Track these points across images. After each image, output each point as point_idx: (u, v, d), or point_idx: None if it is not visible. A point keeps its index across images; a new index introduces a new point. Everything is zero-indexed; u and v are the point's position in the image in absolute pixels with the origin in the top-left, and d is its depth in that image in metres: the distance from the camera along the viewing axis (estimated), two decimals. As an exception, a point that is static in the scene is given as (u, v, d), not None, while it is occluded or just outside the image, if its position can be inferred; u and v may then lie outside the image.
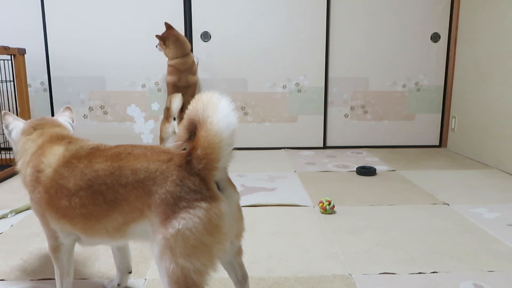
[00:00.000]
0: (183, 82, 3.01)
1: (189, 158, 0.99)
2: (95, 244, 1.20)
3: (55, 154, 1.14)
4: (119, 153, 1.06)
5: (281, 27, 3.44)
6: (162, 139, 3.10)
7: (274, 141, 3.61)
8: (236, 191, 1.08)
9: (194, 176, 0.97)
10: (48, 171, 1.12)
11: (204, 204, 0.95)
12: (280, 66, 3.50)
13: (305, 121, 3.59)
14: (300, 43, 3.47)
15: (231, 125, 0.95)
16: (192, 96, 3.05)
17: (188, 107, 1.02)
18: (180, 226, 0.94)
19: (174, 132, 3.03)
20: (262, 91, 3.53)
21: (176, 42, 2.97)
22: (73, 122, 1.41)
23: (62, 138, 1.21)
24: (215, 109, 0.96)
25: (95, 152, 1.10)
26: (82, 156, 1.10)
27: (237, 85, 3.50)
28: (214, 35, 3.42)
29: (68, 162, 1.10)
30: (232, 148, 0.98)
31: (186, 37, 3.36)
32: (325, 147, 3.66)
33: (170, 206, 0.96)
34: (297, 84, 3.53)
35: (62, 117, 1.39)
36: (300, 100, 3.55)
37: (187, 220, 0.94)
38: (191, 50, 3.38)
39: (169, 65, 3.01)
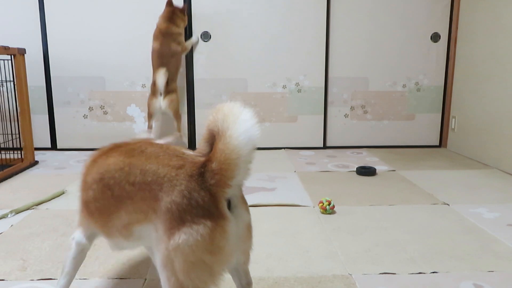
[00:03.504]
0: (166, 49, 3.01)
1: (202, 169, 0.93)
2: (120, 247, 1.15)
3: (93, 155, 1.16)
4: (133, 150, 1.04)
5: (281, 27, 3.44)
6: (150, 115, 3.15)
7: (274, 141, 3.61)
8: (247, 211, 1.02)
9: (204, 191, 0.91)
10: (83, 170, 1.15)
11: (209, 222, 0.90)
12: (280, 66, 3.50)
13: (305, 121, 3.59)
14: (300, 43, 3.47)
15: (252, 140, 0.88)
16: (176, 68, 3.07)
17: (209, 118, 0.96)
18: (180, 241, 0.90)
19: (161, 108, 3.06)
20: (262, 91, 3.53)
21: (168, 8, 3.05)
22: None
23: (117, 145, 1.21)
24: (236, 120, 0.89)
25: (115, 147, 1.10)
26: (104, 151, 1.11)
27: (237, 85, 3.50)
28: (214, 35, 3.42)
29: (95, 158, 1.12)
30: (250, 165, 0.91)
31: (185, 36, 3.37)
32: (325, 147, 3.66)
33: (174, 216, 0.92)
34: (297, 84, 3.53)
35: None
36: (300, 100, 3.55)
37: (188, 236, 0.90)
38: (192, 52, 3.39)
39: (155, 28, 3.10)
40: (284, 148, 3.62)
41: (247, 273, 1.15)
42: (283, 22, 3.44)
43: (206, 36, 3.42)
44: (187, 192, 0.92)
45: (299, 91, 3.54)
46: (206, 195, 0.92)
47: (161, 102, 3.02)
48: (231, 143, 0.88)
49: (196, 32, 3.40)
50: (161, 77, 2.95)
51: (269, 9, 3.41)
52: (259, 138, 0.89)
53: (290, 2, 3.41)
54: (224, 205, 0.94)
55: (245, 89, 3.51)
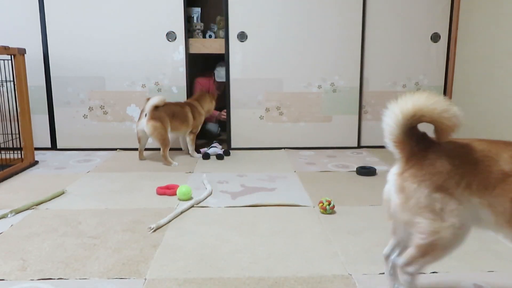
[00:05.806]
0: (180, 113, 3.22)
1: None
2: None
3: None
4: None
5: (316, 26, 3.43)
6: (138, 139, 3.14)
7: (310, 141, 3.60)
8: None
9: None
10: None
11: None
12: (315, 66, 3.49)
13: (340, 121, 3.60)
14: (335, 42, 3.46)
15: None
16: (179, 123, 3.18)
17: None
18: None
19: (144, 131, 2.99)
20: (297, 91, 3.53)
21: (201, 90, 3.63)
22: None
23: None
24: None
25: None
26: None
27: (272, 85, 3.50)
28: (251, 36, 3.42)
29: None
30: None
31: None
32: (359, 146, 3.64)
33: None
34: (332, 84, 3.53)
35: None
36: (335, 100, 3.55)
37: None
38: (228, 52, 3.44)
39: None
40: (284, 148, 3.62)
41: None
42: (318, 22, 3.42)
43: (242, 36, 3.41)
44: None
45: (334, 91, 3.54)
46: None
47: (144, 125, 2.95)
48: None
49: (233, 31, 3.40)
50: (154, 98, 2.94)
51: (305, 9, 3.40)
52: None
53: (326, 1, 3.40)
54: None
55: (281, 89, 3.51)
